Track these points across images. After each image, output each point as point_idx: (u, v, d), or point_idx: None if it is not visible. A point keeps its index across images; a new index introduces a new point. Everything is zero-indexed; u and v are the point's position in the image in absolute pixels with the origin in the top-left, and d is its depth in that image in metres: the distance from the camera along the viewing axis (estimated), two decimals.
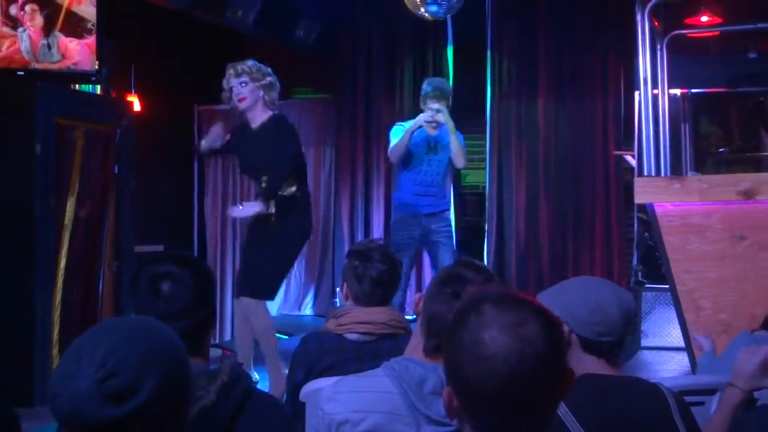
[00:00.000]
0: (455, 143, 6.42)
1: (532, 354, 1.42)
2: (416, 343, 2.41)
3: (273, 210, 5.46)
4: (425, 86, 6.52)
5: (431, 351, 2.34)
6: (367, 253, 3.33)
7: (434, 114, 6.32)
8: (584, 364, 2.28)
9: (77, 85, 6.45)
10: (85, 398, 1.41)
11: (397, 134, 6.45)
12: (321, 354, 3.27)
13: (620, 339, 2.30)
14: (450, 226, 6.75)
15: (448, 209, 6.85)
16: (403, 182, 6.58)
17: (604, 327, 2.27)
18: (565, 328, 2.29)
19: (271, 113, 5.66)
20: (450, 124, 6.39)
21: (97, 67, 6.14)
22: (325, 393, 2.38)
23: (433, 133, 6.47)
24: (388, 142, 6.65)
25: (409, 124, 6.48)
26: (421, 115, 6.41)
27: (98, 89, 6.54)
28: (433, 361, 2.33)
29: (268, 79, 5.70)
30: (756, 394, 2.88)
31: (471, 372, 1.44)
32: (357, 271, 3.30)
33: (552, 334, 1.47)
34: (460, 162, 6.52)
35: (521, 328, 1.44)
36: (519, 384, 1.42)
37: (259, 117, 5.66)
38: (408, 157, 6.49)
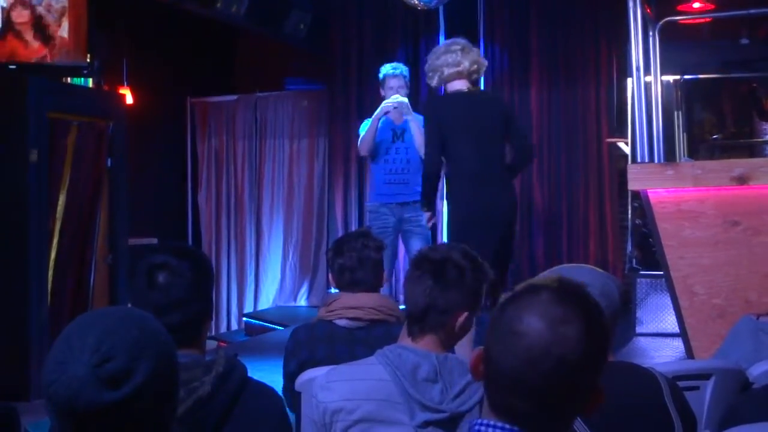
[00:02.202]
0: (418, 137, 6.29)
1: (557, 354, 1.39)
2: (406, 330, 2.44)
3: None
4: (388, 68, 6.54)
5: (413, 333, 2.37)
6: (340, 243, 3.48)
7: (396, 104, 6.36)
8: None
9: (69, 79, 6.43)
10: (82, 383, 1.41)
11: (362, 131, 6.53)
12: (313, 344, 3.28)
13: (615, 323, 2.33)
14: (423, 216, 6.55)
15: None
16: (375, 172, 6.65)
17: (609, 311, 2.30)
18: None
19: None
20: (410, 117, 6.42)
21: (88, 60, 6.13)
22: (319, 381, 2.39)
23: (399, 121, 6.54)
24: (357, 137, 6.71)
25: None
26: (384, 102, 6.41)
27: (90, 82, 6.52)
28: (421, 345, 2.35)
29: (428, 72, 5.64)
30: (751, 378, 2.89)
31: (496, 343, 1.44)
32: (327, 257, 3.50)
33: (589, 345, 1.42)
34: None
35: (562, 325, 1.41)
36: (532, 374, 1.40)
37: None
38: (376, 147, 6.57)
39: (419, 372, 2.29)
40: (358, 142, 6.63)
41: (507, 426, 1.43)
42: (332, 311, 3.33)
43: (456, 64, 5.39)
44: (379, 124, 6.49)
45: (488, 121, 5.35)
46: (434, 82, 5.53)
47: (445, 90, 5.53)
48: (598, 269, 2.46)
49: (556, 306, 1.43)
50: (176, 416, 1.61)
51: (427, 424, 2.23)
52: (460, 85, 5.40)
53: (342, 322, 3.30)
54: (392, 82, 6.47)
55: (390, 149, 6.55)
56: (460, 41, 5.53)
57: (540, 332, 1.40)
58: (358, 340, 3.23)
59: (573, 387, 1.42)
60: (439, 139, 5.27)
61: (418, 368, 2.29)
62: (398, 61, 8.90)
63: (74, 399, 1.42)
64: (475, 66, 5.45)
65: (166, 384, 1.51)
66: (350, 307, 3.30)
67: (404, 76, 6.55)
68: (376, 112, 6.47)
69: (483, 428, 1.45)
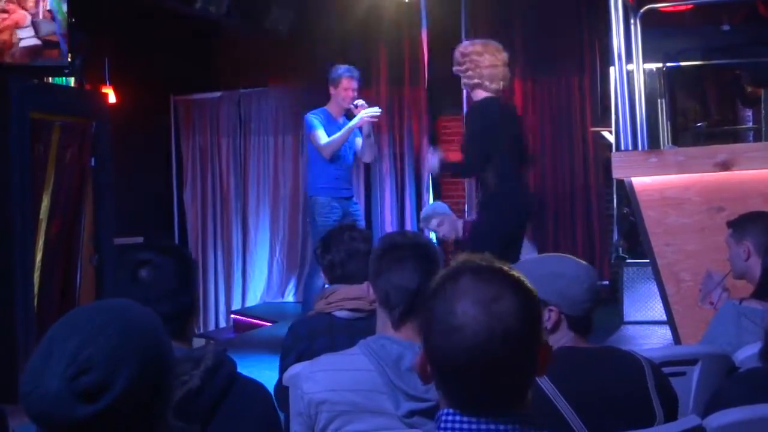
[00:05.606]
0: (358, 140, 6.73)
1: (501, 331, 1.41)
2: (384, 321, 2.44)
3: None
4: (345, 70, 6.70)
5: (394, 322, 2.38)
6: (327, 238, 3.53)
7: (374, 114, 6.57)
8: (565, 341, 2.32)
9: (51, 78, 6.39)
10: (56, 398, 1.37)
11: (317, 126, 6.59)
12: (312, 336, 3.27)
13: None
14: (360, 209, 7.25)
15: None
16: (324, 167, 6.71)
17: (593, 303, 2.33)
18: (554, 310, 2.31)
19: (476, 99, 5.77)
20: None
21: (70, 59, 6.09)
22: (303, 372, 2.39)
23: (341, 121, 6.72)
24: (308, 131, 6.70)
25: (321, 116, 6.67)
26: (363, 114, 6.53)
27: (72, 82, 6.49)
28: (402, 335, 2.35)
29: (465, 65, 5.79)
30: (737, 362, 2.90)
31: (439, 341, 1.44)
32: (316, 253, 3.54)
33: (527, 311, 1.45)
34: (367, 157, 6.96)
35: (495, 303, 1.42)
36: (484, 359, 1.41)
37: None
38: None
39: (403, 362, 2.29)
40: (321, 143, 6.59)
41: (474, 420, 1.44)
42: (331, 303, 3.32)
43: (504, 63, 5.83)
44: (348, 134, 6.61)
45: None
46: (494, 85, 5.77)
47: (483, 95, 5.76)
48: (572, 257, 2.46)
49: (480, 287, 1.45)
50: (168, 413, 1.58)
51: (412, 413, 2.23)
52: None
53: (342, 314, 3.29)
54: (351, 84, 6.66)
55: (342, 147, 6.70)
56: (467, 59, 5.89)
57: (477, 318, 1.42)
58: (357, 331, 3.21)
59: (524, 355, 1.44)
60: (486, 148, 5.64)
61: (402, 358, 2.29)
62: (382, 55, 8.94)
63: (48, 413, 1.38)
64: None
65: (151, 388, 1.45)
66: (351, 298, 3.29)
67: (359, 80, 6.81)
68: (354, 122, 6.54)
69: (450, 417, 1.45)
